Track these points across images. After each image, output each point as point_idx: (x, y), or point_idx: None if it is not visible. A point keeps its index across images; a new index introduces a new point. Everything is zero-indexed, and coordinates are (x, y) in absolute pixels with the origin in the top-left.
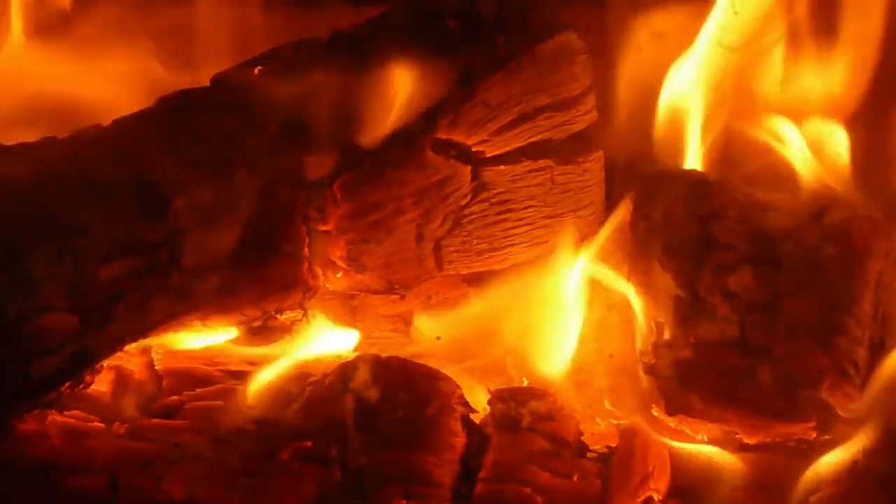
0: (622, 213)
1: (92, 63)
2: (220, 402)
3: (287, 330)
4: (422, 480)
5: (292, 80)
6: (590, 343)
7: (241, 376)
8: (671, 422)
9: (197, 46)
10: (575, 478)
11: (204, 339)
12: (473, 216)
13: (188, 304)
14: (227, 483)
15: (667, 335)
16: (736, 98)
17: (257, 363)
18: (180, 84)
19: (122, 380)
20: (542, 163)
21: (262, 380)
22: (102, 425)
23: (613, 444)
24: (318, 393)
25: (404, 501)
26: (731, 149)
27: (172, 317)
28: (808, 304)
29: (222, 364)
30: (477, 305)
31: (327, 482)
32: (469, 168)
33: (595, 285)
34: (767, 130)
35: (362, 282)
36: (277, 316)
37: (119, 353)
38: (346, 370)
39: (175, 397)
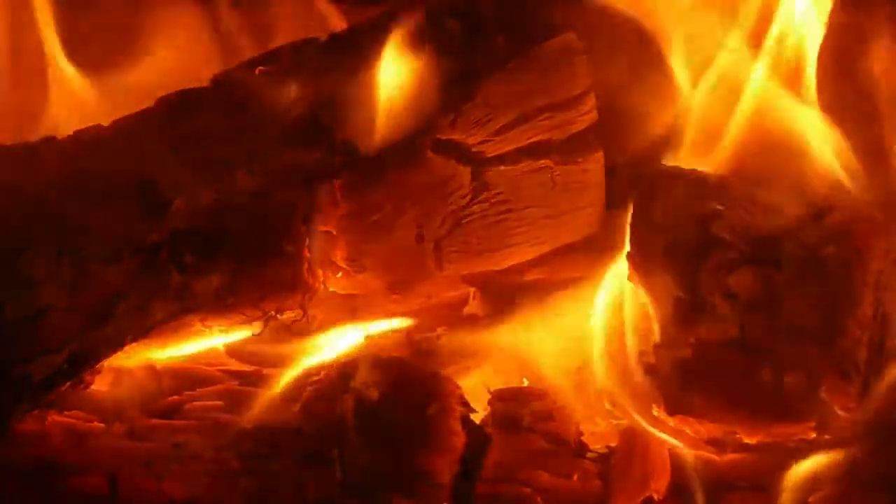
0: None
1: None
2: (220, 402)
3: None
4: (422, 480)
5: (292, 80)
6: (590, 343)
7: (241, 376)
8: (671, 422)
9: (197, 46)
10: (575, 478)
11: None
12: (473, 216)
13: (188, 304)
14: (227, 483)
15: (667, 335)
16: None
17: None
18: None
19: (122, 380)
20: (542, 163)
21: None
22: (102, 425)
23: (613, 444)
24: (318, 393)
25: (404, 501)
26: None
27: (173, 317)
28: (808, 304)
29: (222, 364)
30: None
31: (327, 482)
32: (469, 168)
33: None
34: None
35: (362, 282)
36: (278, 316)
37: (119, 353)
38: (346, 370)
39: (175, 397)
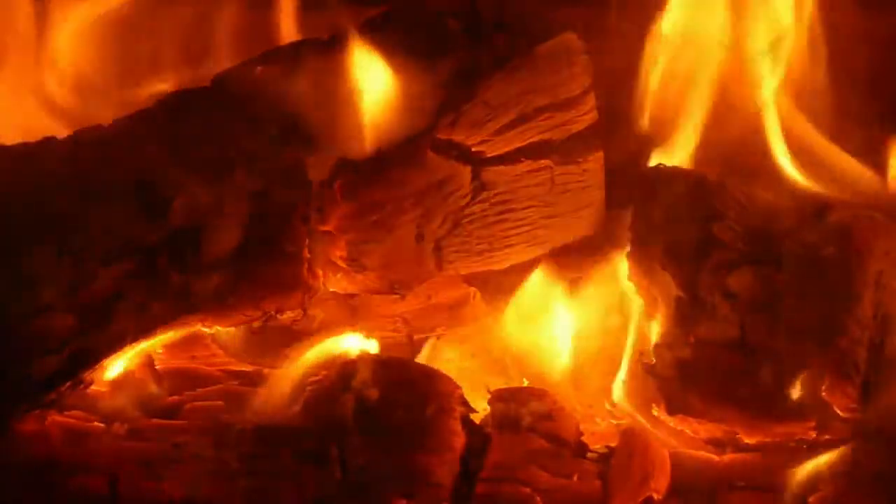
0: None
1: None
2: (220, 402)
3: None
4: (422, 480)
5: (292, 80)
6: (590, 343)
7: (241, 376)
8: (671, 422)
9: (198, 45)
10: (575, 478)
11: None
12: (473, 216)
13: (188, 304)
14: (227, 483)
15: (667, 335)
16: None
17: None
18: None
19: (122, 380)
20: (542, 163)
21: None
22: (102, 425)
23: (613, 444)
24: (318, 393)
25: (404, 501)
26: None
27: (173, 317)
28: (808, 304)
29: (222, 364)
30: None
31: (327, 482)
32: (469, 168)
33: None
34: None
35: (362, 282)
36: (277, 316)
37: (119, 353)
38: (346, 370)
39: (175, 397)
